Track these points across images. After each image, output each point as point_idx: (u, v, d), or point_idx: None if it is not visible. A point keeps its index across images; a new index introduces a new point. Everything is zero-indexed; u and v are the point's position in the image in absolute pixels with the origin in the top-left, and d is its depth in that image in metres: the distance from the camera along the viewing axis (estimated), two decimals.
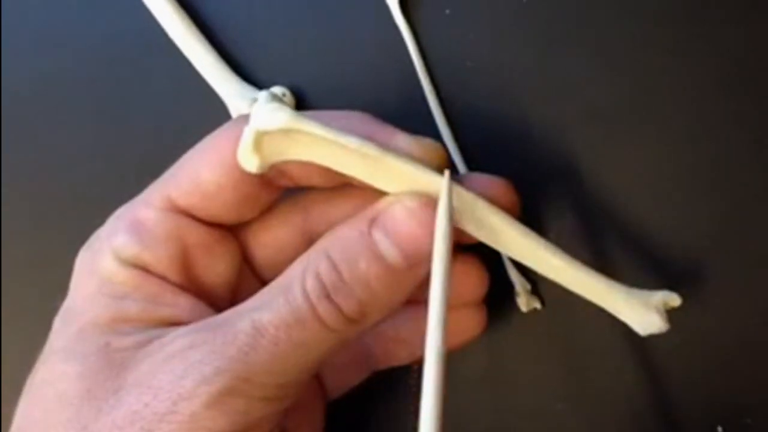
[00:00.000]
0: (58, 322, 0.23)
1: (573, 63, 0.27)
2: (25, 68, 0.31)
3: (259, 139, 0.21)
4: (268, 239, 0.25)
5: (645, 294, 0.23)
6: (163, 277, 0.23)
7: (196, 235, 0.23)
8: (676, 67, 0.26)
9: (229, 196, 0.23)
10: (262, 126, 0.21)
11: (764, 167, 0.26)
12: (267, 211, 0.25)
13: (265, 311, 0.21)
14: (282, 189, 0.24)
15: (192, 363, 0.21)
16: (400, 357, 0.26)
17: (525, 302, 0.27)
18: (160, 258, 0.23)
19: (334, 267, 0.21)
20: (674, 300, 0.23)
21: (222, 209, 0.23)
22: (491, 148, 0.28)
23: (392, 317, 0.26)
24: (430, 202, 0.22)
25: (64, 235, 0.26)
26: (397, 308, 0.23)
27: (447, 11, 0.28)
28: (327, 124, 0.21)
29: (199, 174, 0.23)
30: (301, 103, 0.28)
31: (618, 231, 0.27)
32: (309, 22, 0.29)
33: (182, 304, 0.23)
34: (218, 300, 0.24)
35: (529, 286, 0.27)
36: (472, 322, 0.26)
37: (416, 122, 0.28)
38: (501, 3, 0.27)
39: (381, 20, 0.28)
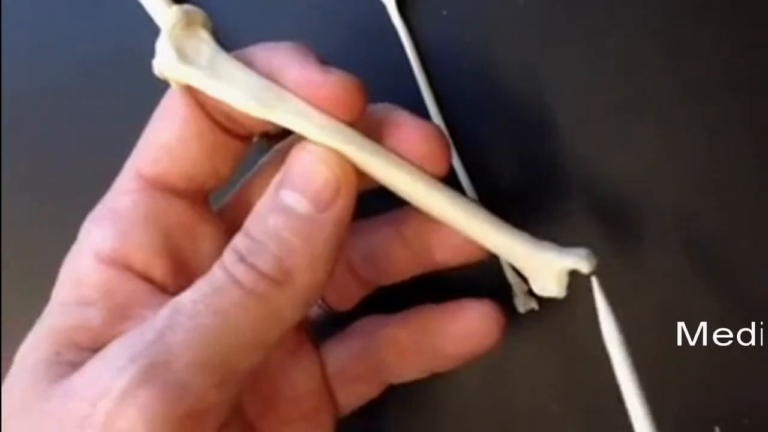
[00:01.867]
0: (30, 333, 0.22)
1: (570, 64, 0.27)
2: (25, 71, 0.31)
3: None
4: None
5: (556, 252, 0.22)
6: (146, 276, 0.22)
7: (174, 212, 0.23)
8: (675, 67, 0.26)
9: (195, 149, 0.22)
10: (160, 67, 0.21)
11: (764, 168, 0.26)
12: (249, 187, 0.24)
13: (185, 293, 0.20)
14: (247, 141, 0.24)
15: (110, 358, 0.19)
16: (414, 369, 0.25)
17: (522, 303, 0.27)
18: (141, 244, 0.22)
19: (247, 234, 0.21)
20: (584, 265, 0.21)
21: (193, 166, 0.23)
22: (488, 148, 0.28)
23: (405, 323, 0.25)
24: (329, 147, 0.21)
25: (65, 238, 0.26)
26: (334, 261, 0.21)
27: (444, 12, 0.28)
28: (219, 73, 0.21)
29: (159, 137, 0.23)
30: None
31: (617, 231, 0.27)
32: (306, 23, 0.29)
33: (148, 317, 0.21)
34: None
35: (526, 287, 0.27)
36: (486, 327, 0.24)
37: None
38: (498, 4, 0.28)
39: (378, 22, 0.28)
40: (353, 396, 0.26)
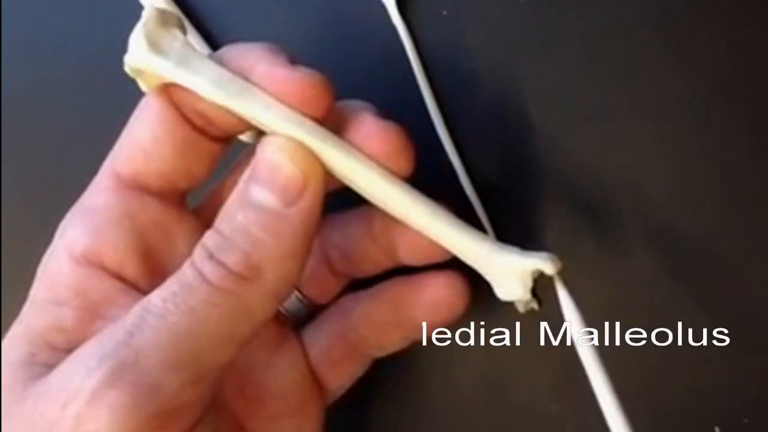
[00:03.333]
0: (8, 333, 0.22)
1: (571, 63, 0.27)
2: (24, 70, 0.31)
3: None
4: None
5: (518, 255, 0.22)
6: (118, 275, 0.22)
7: (149, 212, 0.23)
8: (675, 67, 0.26)
9: (169, 148, 0.23)
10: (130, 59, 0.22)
11: (764, 168, 0.26)
12: (224, 186, 0.25)
13: (154, 292, 0.20)
14: (223, 143, 0.24)
15: (80, 359, 0.19)
16: (395, 341, 0.26)
17: (522, 303, 0.27)
18: (114, 242, 0.22)
19: (216, 231, 0.21)
20: (548, 267, 0.22)
21: (167, 165, 0.23)
22: (488, 147, 0.28)
23: (377, 299, 0.25)
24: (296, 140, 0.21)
25: None
26: (305, 255, 0.21)
27: (444, 12, 0.28)
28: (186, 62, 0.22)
29: (134, 136, 0.23)
30: None
31: (617, 232, 0.27)
32: (306, 23, 0.29)
33: (120, 316, 0.21)
34: None
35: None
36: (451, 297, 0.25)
37: (413, 122, 0.28)
38: (498, 4, 0.27)
39: (379, 21, 0.28)
40: (341, 378, 0.26)
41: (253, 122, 0.22)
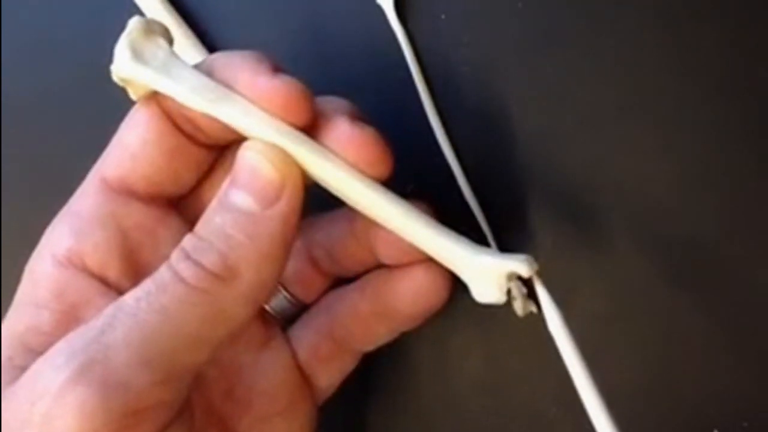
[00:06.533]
0: None
1: (569, 66, 0.27)
2: (25, 76, 0.32)
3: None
4: None
5: (495, 257, 0.22)
6: (101, 276, 0.22)
7: (134, 215, 0.23)
8: (674, 69, 0.26)
9: (156, 153, 0.23)
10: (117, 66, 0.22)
11: (764, 170, 0.26)
12: (203, 188, 0.25)
13: (129, 292, 0.20)
14: (212, 150, 0.24)
15: (51, 358, 0.19)
16: (380, 333, 0.26)
17: (521, 306, 0.27)
18: (96, 244, 0.22)
19: (195, 233, 0.21)
20: (524, 269, 0.22)
21: (153, 169, 0.23)
22: (487, 151, 0.28)
23: (360, 292, 0.25)
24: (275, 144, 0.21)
25: None
26: (282, 259, 0.21)
27: (442, 16, 0.28)
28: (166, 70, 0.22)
29: (122, 140, 0.23)
30: None
31: (615, 234, 0.27)
32: (304, 26, 0.29)
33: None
34: None
35: (525, 291, 0.27)
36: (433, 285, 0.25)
37: (412, 126, 0.28)
38: (496, 8, 0.28)
39: (377, 25, 0.28)
40: (330, 374, 0.26)
41: (234, 129, 0.22)
